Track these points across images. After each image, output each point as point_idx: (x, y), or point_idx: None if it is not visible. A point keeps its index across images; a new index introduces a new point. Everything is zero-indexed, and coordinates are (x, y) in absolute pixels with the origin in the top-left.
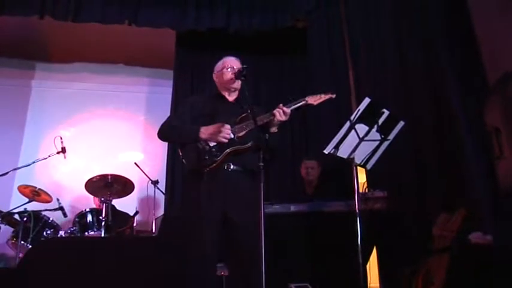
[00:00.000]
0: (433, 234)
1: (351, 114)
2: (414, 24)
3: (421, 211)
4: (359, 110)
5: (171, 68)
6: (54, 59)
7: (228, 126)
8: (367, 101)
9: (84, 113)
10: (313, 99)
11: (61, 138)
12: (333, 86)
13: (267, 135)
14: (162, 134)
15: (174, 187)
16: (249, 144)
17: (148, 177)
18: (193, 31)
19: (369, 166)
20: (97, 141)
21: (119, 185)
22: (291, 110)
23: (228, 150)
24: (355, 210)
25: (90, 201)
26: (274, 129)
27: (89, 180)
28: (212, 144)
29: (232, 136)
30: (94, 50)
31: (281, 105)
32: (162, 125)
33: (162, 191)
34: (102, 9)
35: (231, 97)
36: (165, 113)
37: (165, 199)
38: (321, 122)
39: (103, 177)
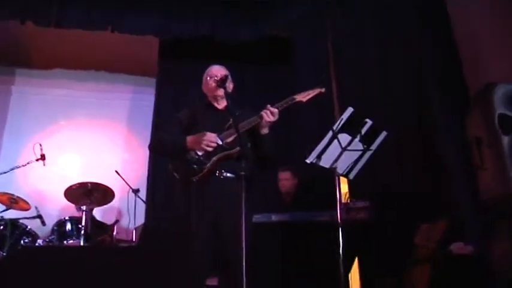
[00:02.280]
0: (415, 245)
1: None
2: (398, 37)
3: (404, 221)
4: (342, 119)
5: (154, 76)
6: (35, 65)
7: (210, 135)
8: (350, 110)
9: (65, 119)
10: (302, 96)
11: (40, 145)
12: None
13: (249, 144)
14: (153, 150)
15: (155, 196)
16: (237, 148)
17: (129, 185)
18: (176, 39)
19: (351, 176)
20: (78, 148)
21: (98, 193)
22: (280, 110)
23: (215, 158)
24: (337, 221)
25: (71, 210)
26: (265, 131)
27: (69, 188)
28: (200, 153)
29: (220, 143)
30: (76, 56)
31: (268, 105)
32: (151, 141)
33: (143, 200)
34: (85, 15)
35: (220, 105)
36: (147, 121)
37: (146, 208)
38: (303, 132)
39: (83, 185)
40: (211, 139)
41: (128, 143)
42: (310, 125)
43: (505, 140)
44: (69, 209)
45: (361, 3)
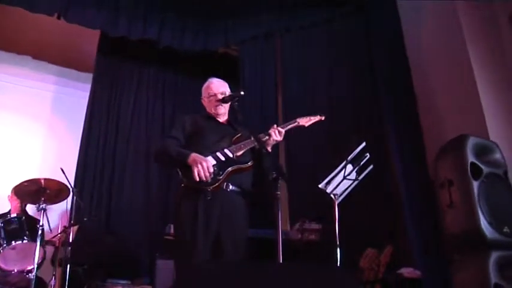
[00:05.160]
0: (360, 267)
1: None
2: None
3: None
4: (356, 151)
5: (83, 70)
6: None
7: (209, 164)
8: (363, 144)
9: None
10: (304, 121)
11: None
12: (261, 116)
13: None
14: (157, 158)
15: (82, 196)
16: (250, 163)
17: (70, 185)
18: (120, 38)
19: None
20: None
21: (52, 191)
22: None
23: (230, 169)
24: (335, 241)
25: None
26: (268, 149)
27: (19, 185)
28: (213, 163)
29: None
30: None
31: (275, 125)
32: (156, 148)
33: (79, 200)
34: None
35: (221, 119)
36: (71, 115)
37: (71, 208)
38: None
39: (35, 182)
40: (206, 171)
41: (49, 137)
42: None
43: (475, 184)
44: None
45: (314, 33)
